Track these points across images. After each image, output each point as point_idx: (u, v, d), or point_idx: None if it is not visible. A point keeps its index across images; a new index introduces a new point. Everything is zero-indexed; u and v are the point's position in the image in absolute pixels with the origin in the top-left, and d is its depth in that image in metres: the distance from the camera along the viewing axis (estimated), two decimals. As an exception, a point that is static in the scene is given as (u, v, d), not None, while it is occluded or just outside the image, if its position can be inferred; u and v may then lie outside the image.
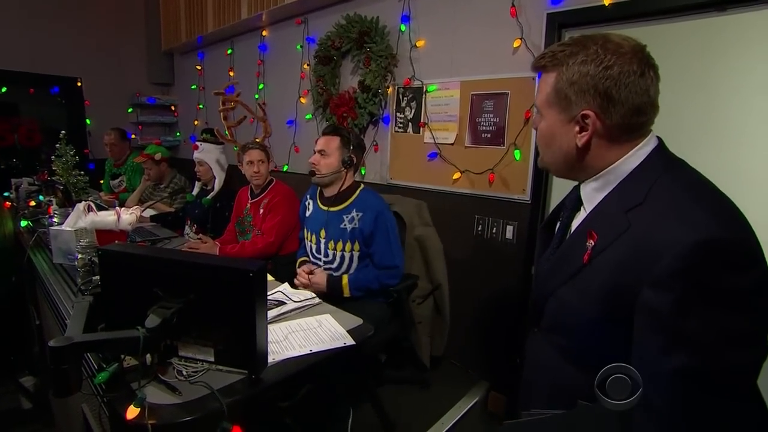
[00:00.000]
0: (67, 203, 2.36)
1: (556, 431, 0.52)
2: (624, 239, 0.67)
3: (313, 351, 1.12)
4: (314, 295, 1.49)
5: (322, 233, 1.91)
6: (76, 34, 4.28)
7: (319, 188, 1.98)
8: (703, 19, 1.56)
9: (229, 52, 3.94)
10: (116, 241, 1.66)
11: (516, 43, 2.02)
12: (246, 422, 0.88)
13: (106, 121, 4.23)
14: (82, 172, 2.56)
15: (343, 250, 1.86)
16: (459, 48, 2.28)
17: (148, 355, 0.94)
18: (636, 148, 0.72)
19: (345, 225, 1.85)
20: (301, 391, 1.10)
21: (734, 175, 1.50)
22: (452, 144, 2.33)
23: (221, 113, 2.87)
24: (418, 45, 2.44)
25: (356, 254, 1.86)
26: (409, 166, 2.57)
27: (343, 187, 1.87)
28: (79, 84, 4.40)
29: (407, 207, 2.17)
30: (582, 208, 0.81)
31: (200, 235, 2.49)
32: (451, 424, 1.97)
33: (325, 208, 1.91)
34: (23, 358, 2.32)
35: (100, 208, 1.91)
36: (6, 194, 2.99)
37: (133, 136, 4.37)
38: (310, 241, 1.97)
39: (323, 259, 1.92)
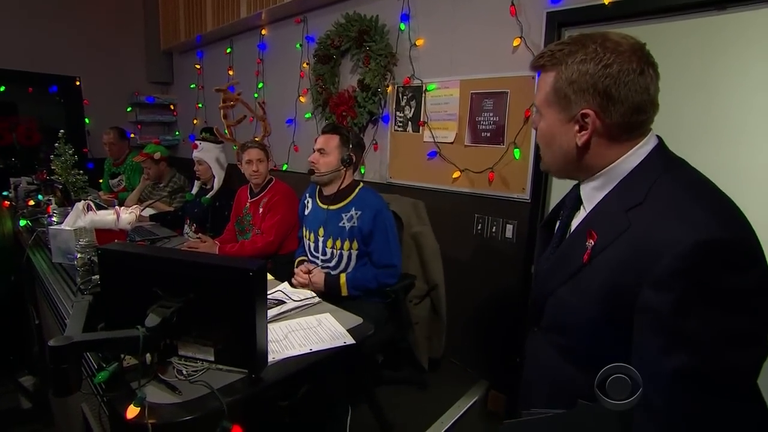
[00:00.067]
0: (66, 202, 2.35)
1: (557, 431, 0.52)
2: (624, 239, 0.67)
3: (313, 350, 1.12)
4: (314, 295, 1.49)
5: (321, 231, 1.91)
6: (75, 33, 4.27)
7: (318, 187, 1.98)
8: (703, 18, 1.56)
9: (228, 51, 3.93)
10: (116, 241, 1.66)
11: (516, 42, 2.02)
12: (246, 421, 0.88)
13: (105, 120, 4.22)
14: (81, 172, 2.55)
15: (342, 248, 1.86)
16: (458, 47, 2.28)
17: (148, 355, 0.94)
18: (636, 147, 0.72)
19: (344, 223, 1.85)
20: (301, 390, 1.10)
21: (734, 174, 1.50)
22: (452, 143, 2.33)
23: (221, 110, 2.87)
24: (417, 44, 2.43)
25: (354, 253, 1.86)
26: (409, 165, 2.57)
27: (343, 186, 1.87)
28: (77, 83, 4.40)
29: (404, 206, 2.17)
30: (582, 207, 0.81)
31: (199, 234, 2.48)
32: (450, 423, 1.97)
33: (324, 206, 1.91)
34: (23, 358, 2.32)
35: (99, 207, 1.91)
36: (5, 193, 2.99)
37: (132, 136, 4.36)
38: (309, 239, 1.97)
39: (321, 257, 1.91)
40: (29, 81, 4.17)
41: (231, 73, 3.93)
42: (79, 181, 2.51)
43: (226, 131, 2.91)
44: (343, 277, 1.82)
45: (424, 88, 2.42)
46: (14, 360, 2.33)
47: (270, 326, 1.09)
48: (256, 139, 2.73)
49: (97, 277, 1.34)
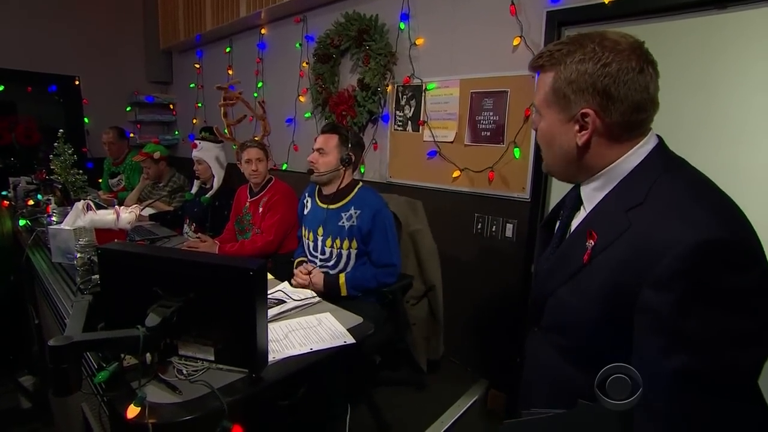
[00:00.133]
0: (66, 202, 2.35)
1: (557, 431, 0.52)
2: (624, 239, 0.66)
3: (314, 349, 1.12)
4: (314, 294, 1.49)
5: (320, 231, 1.91)
6: (74, 33, 4.26)
7: (317, 186, 1.98)
8: (703, 17, 1.56)
9: (227, 50, 3.93)
10: (115, 240, 1.66)
11: (515, 41, 2.02)
12: (246, 421, 0.88)
13: (105, 119, 4.22)
14: (80, 171, 2.55)
15: (341, 247, 1.86)
16: (458, 46, 2.28)
17: (148, 354, 0.94)
18: (636, 146, 0.72)
19: (343, 222, 1.85)
20: (301, 390, 1.10)
21: (734, 173, 1.50)
22: (452, 142, 2.33)
23: (221, 108, 2.86)
24: (417, 43, 2.43)
25: (354, 252, 1.86)
26: (409, 165, 2.57)
27: (342, 185, 1.87)
28: (77, 82, 4.39)
29: (401, 206, 2.16)
30: (582, 207, 0.81)
31: (199, 234, 2.48)
32: (450, 423, 1.97)
33: (324, 205, 1.91)
34: (22, 358, 2.32)
35: (98, 207, 1.90)
36: (4, 193, 2.98)
37: (131, 135, 4.35)
38: (308, 239, 1.97)
39: (320, 256, 1.91)
40: (28, 80, 4.17)
41: (230, 72, 3.92)
42: (78, 181, 2.51)
43: (226, 130, 2.91)
44: (342, 277, 1.82)
45: (423, 88, 2.42)
46: (14, 360, 2.33)
47: (270, 326, 1.09)
48: (256, 138, 2.72)
49: (97, 276, 1.34)
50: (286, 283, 1.61)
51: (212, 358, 0.97)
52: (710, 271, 0.58)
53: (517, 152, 2.07)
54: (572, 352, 0.76)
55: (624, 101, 0.68)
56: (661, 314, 0.59)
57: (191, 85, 4.48)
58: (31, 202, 2.67)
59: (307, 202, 2.04)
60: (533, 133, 1.97)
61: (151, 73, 4.84)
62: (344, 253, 1.86)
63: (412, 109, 2.51)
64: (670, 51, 1.61)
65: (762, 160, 1.47)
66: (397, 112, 2.59)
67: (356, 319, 1.33)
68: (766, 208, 1.41)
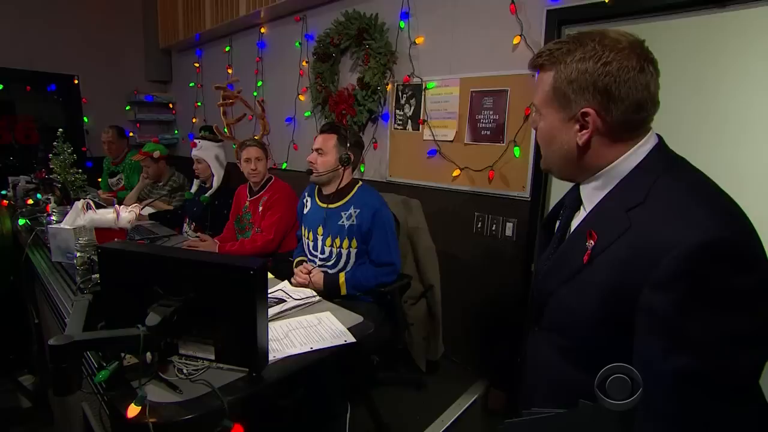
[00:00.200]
0: (65, 201, 2.35)
1: (557, 430, 0.52)
2: (624, 239, 0.66)
3: (314, 348, 1.12)
4: (314, 293, 1.49)
5: (320, 230, 1.91)
6: (74, 32, 4.25)
7: (317, 186, 1.98)
8: (703, 16, 1.56)
9: (227, 49, 3.92)
10: (115, 239, 1.66)
11: (516, 40, 2.02)
12: (247, 420, 0.88)
13: (104, 118, 4.21)
14: (79, 170, 2.55)
15: (341, 246, 1.86)
16: (458, 45, 2.28)
17: (149, 354, 0.94)
18: (636, 146, 0.71)
19: (343, 222, 1.85)
20: (301, 389, 1.10)
21: (733, 172, 1.50)
22: (452, 141, 2.33)
23: (220, 107, 2.86)
24: (417, 42, 2.43)
25: (353, 251, 1.86)
26: (409, 164, 2.57)
27: (341, 185, 1.87)
28: (76, 81, 4.38)
29: (398, 206, 2.16)
30: (582, 207, 0.81)
31: (198, 233, 2.48)
32: (451, 422, 1.97)
33: (324, 205, 1.91)
34: (22, 357, 2.32)
35: (98, 206, 1.90)
36: (3, 192, 2.98)
37: (131, 134, 4.35)
38: (308, 238, 1.97)
39: (320, 256, 1.91)
40: (27, 80, 4.16)
41: (230, 71, 3.92)
42: (77, 180, 2.51)
43: (226, 129, 2.90)
44: (342, 277, 1.82)
45: (423, 86, 2.42)
46: (14, 359, 2.33)
47: (270, 325, 1.08)
48: (255, 137, 2.72)
49: (97, 276, 1.34)
50: (286, 282, 1.61)
51: (213, 357, 0.97)
52: (711, 272, 0.57)
53: (517, 151, 2.07)
54: (572, 352, 0.75)
55: (625, 100, 0.68)
56: (662, 315, 0.59)
57: (191, 84, 4.47)
58: (30, 202, 2.67)
59: (306, 201, 2.04)
60: (533, 132, 1.97)
61: (150, 72, 4.84)
62: (344, 252, 1.86)
63: (412, 108, 2.51)
64: (669, 50, 1.61)
65: (761, 160, 1.47)
66: (397, 111, 2.59)
67: (356, 318, 1.33)
68: (765, 208, 1.41)
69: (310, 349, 1.11)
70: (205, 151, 2.73)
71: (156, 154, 3.19)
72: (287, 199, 2.37)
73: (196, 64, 4.37)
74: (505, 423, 0.58)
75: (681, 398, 0.59)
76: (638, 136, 0.72)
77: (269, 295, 1.25)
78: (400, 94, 2.56)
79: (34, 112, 4.29)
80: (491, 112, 2.16)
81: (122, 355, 0.94)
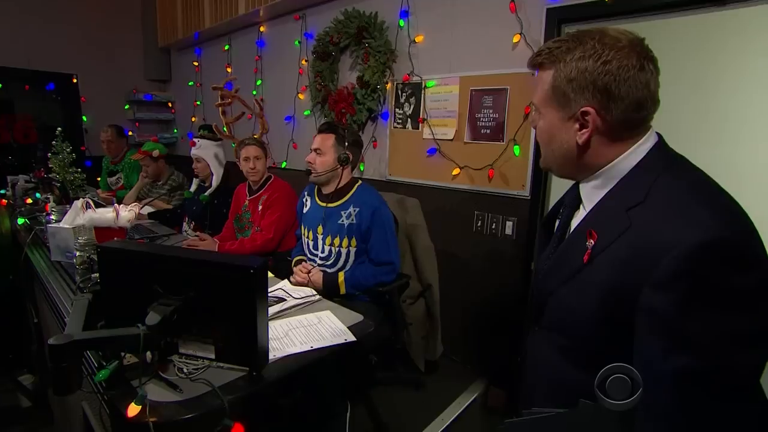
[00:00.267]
0: (65, 200, 2.35)
1: (557, 430, 0.52)
2: (624, 238, 0.66)
3: (314, 347, 1.12)
4: (314, 292, 1.49)
5: (320, 229, 1.90)
6: (72, 30, 4.25)
7: (316, 185, 1.98)
8: (703, 14, 1.56)
9: (226, 48, 3.91)
10: (115, 239, 1.66)
11: (515, 39, 2.02)
12: (247, 419, 0.88)
13: (103, 117, 4.21)
14: (78, 170, 2.55)
15: (340, 245, 1.86)
16: (458, 43, 2.27)
17: (149, 353, 0.94)
18: (636, 145, 0.71)
19: (342, 221, 1.85)
20: (299, 391, 1.10)
21: (733, 171, 1.50)
22: (451, 140, 2.33)
23: (219, 108, 2.86)
24: (417, 40, 2.43)
25: (353, 250, 1.86)
26: (408, 162, 2.57)
27: (341, 184, 1.86)
28: (74, 80, 4.37)
29: (396, 205, 2.15)
30: (581, 206, 0.81)
31: (198, 232, 2.48)
32: (450, 420, 1.98)
33: (323, 204, 1.91)
34: (21, 356, 2.32)
35: (97, 205, 1.90)
36: (2, 192, 2.97)
37: (130, 133, 4.34)
38: (308, 237, 1.97)
39: (320, 255, 1.91)
40: (26, 78, 4.15)
41: (229, 70, 3.91)
42: (77, 179, 2.51)
43: (225, 128, 2.90)
44: (341, 276, 1.82)
45: (423, 85, 2.42)
46: (13, 358, 2.33)
47: (270, 324, 1.08)
48: (255, 136, 2.72)
49: (97, 275, 1.34)
50: (286, 281, 1.61)
51: (213, 356, 0.97)
52: (711, 271, 0.57)
53: (516, 150, 2.07)
54: (572, 351, 0.75)
55: (625, 99, 0.67)
56: (662, 315, 0.59)
57: (190, 83, 4.46)
58: (29, 201, 2.67)
59: (306, 201, 2.04)
60: (533, 130, 1.97)
61: (149, 71, 4.83)
62: (343, 251, 1.86)
63: (412, 106, 2.50)
64: (669, 48, 1.61)
65: (761, 159, 1.47)
66: (397, 110, 2.59)
67: (356, 317, 1.33)
68: (765, 207, 1.41)
69: (310, 348, 1.11)
70: (204, 150, 2.73)
71: (155, 153, 3.18)
72: (287, 197, 2.37)
73: (195, 63, 4.36)
74: (506, 423, 0.58)
75: (681, 398, 0.58)
76: (638, 134, 0.72)
77: (269, 294, 1.25)
78: (399, 92, 2.56)
79: (32, 111, 4.28)
80: (491, 111, 2.16)
81: (122, 354, 0.94)
